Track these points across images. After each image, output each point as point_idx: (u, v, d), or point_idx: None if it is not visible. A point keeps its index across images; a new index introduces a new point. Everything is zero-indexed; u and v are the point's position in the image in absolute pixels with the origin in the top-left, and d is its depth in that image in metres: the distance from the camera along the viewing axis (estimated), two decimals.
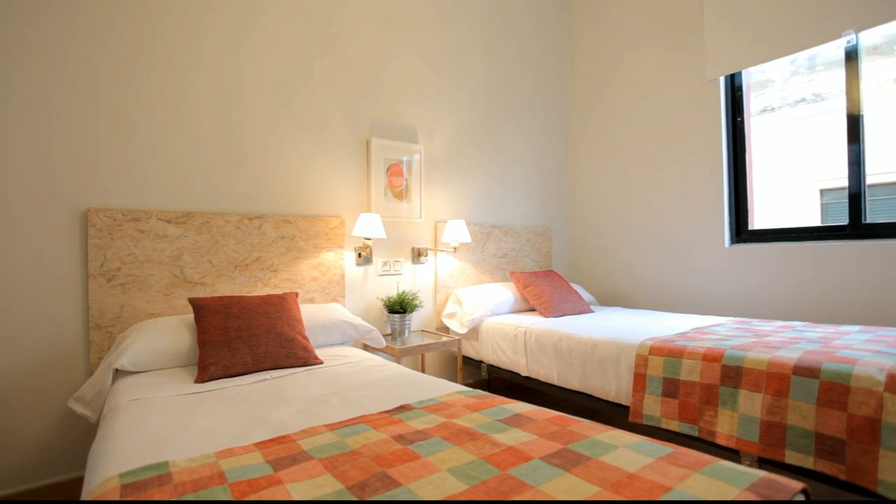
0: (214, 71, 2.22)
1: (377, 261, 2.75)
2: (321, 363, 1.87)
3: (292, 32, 2.47)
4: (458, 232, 2.81)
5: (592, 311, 2.91)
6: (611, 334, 2.10)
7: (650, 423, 1.79)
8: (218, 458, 0.94)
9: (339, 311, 2.29)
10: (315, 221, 2.49)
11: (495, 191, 3.37)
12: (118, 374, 1.73)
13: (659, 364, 1.80)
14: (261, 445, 1.02)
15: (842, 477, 1.33)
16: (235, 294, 2.18)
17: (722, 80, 2.93)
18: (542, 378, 2.32)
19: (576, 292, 3.01)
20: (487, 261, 3.25)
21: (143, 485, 0.84)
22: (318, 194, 2.54)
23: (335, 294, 2.55)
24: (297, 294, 2.16)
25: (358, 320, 2.28)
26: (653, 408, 1.79)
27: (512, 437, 1.01)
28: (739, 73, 2.91)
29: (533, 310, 3.00)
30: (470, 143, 3.23)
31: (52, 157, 1.86)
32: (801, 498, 0.83)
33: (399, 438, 1.04)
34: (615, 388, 1.96)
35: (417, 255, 2.90)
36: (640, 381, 1.84)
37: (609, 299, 3.58)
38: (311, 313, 2.19)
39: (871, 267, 2.34)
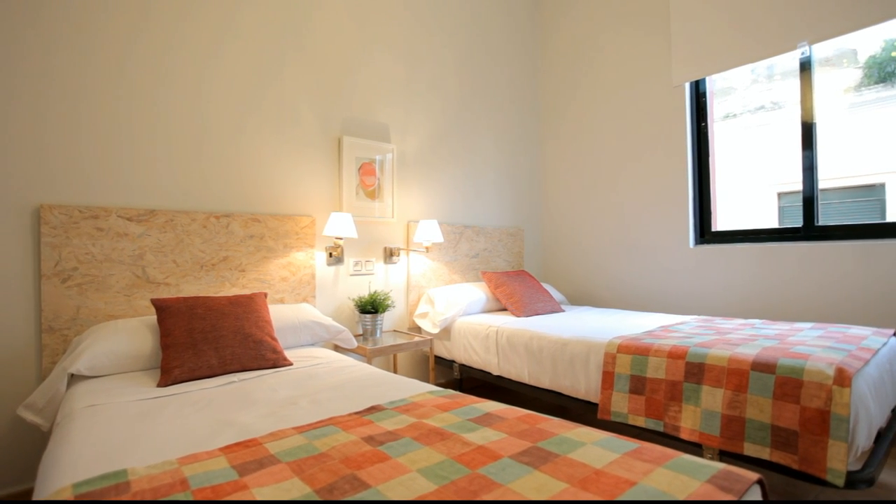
0: (182, 65, 2.15)
1: (349, 260, 2.72)
2: (291, 365, 1.84)
3: (264, 29, 2.41)
4: (430, 232, 2.81)
5: (563, 311, 2.96)
6: (580, 333, 2.14)
7: (618, 420, 1.83)
8: (180, 464, 0.91)
9: (309, 312, 2.25)
10: (285, 220, 2.44)
11: (468, 191, 3.39)
12: (73, 379, 1.65)
13: (626, 362, 1.84)
14: (226, 450, 0.99)
15: (795, 466, 1.39)
16: (201, 295, 2.12)
17: (687, 86, 3.03)
18: (514, 377, 2.34)
19: (547, 292, 3.05)
20: (460, 261, 3.26)
21: (99, 494, 0.80)
22: (288, 193, 2.49)
23: (305, 294, 2.51)
24: (266, 294, 2.11)
25: (329, 321, 2.25)
26: (620, 405, 1.83)
27: (482, 437, 1.02)
28: (703, 80, 3.01)
29: (505, 309, 3.03)
30: (443, 143, 3.24)
31: (0, 149, 1.77)
32: (757, 488, 0.86)
33: (369, 440, 1.03)
34: (584, 385, 2.00)
35: (390, 254, 2.89)
36: (608, 378, 1.88)
37: (579, 299, 3.65)
38: (281, 314, 2.15)
39: (823, 267, 2.46)
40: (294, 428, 1.13)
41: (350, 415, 1.22)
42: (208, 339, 1.71)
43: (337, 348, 2.51)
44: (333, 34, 2.69)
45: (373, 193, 2.81)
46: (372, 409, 1.25)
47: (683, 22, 2.98)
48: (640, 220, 3.26)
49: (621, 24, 3.36)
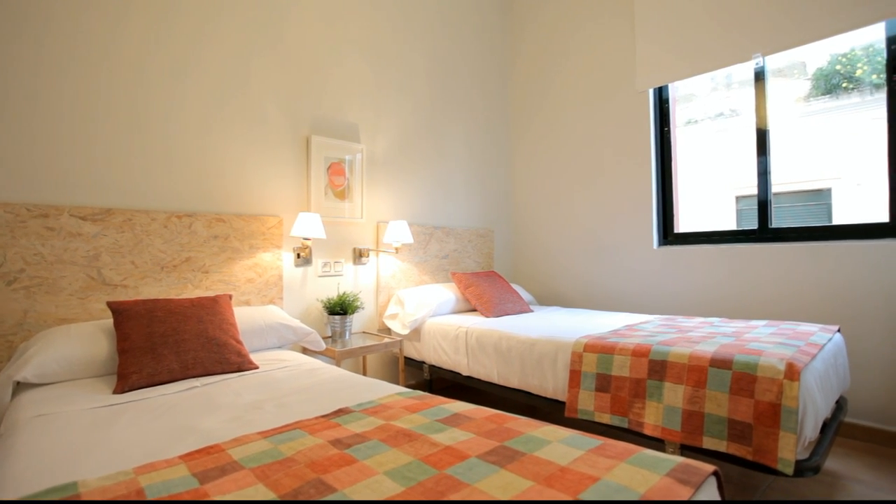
0: (141, 57, 2.07)
1: (317, 261, 2.68)
2: (256, 368, 1.80)
3: (233, 27, 2.35)
4: (400, 232, 2.80)
5: (532, 311, 3.00)
6: (548, 333, 2.18)
7: (584, 418, 1.87)
8: (137, 473, 0.88)
9: (276, 314, 2.21)
10: (251, 220, 2.38)
11: (438, 192, 3.39)
12: (20, 387, 1.56)
13: (593, 361, 1.88)
14: (187, 457, 0.96)
15: (749, 457, 1.45)
16: (162, 297, 2.04)
17: (651, 92, 3.12)
18: (483, 377, 2.36)
19: (516, 292, 3.09)
20: (429, 261, 3.26)
21: None
22: (254, 192, 2.44)
23: (272, 296, 2.46)
24: (230, 296, 2.06)
25: (296, 323, 2.21)
26: (587, 402, 1.87)
27: (450, 437, 1.02)
28: (666, 87, 3.11)
29: (474, 310, 3.05)
30: (413, 144, 3.23)
31: None
32: (713, 480, 0.90)
33: (336, 443, 1.01)
34: (552, 384, 2.03)
35: (359, 255, 2.86)
36: (575, 377, 1.92)
37: (548, 299, 3.71)
38: (247, 316, 2.10)
39: (776, 267, 2.58)
40: (259, 433, 1.10)
41: (317, 418, 1.20)
42: (169, 342, 1.65)
43: (305, 351, 2.47)
44: (303, 33, 2.64)
45: (342, 194, 2.78)
46: (339, 412, 1.24)
47: (647, 31, 3.08)
48: (607, 222, 3.34)
49: (589, 31, 3.44)
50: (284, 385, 1.58)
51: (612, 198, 3.31)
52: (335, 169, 2.74)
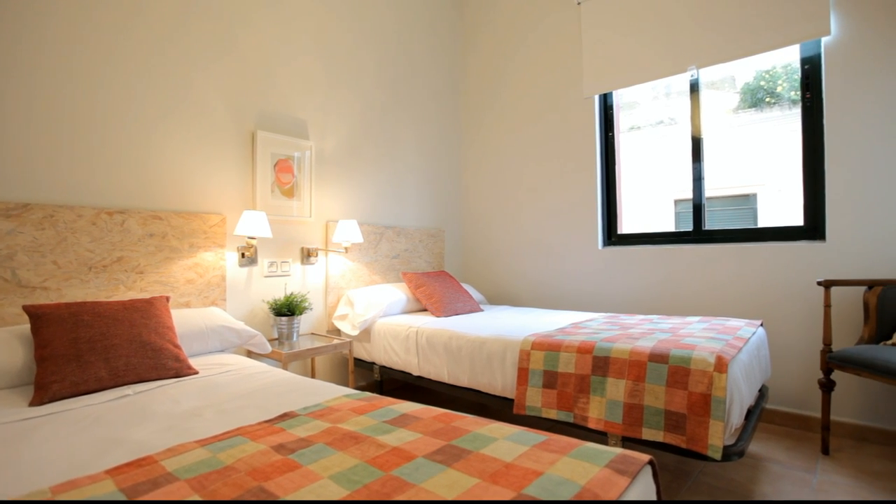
0: (67, 40, 1.91)
1: (263, 261, 2.59)
2: (196, 373, 1.71)
3: (170, 12, 2.21)
4: (349, 232, 2.75)
5: (482, 310, 3.04)
6: (497, 332, 2.21)
7: (532, 414, 1.92)
8: (54, 493, 0.81)
9: (218, 316, 2.11)
10: (191, 218, 2.26)
11: (389, 192, 3.37)
12: None
13: (540, 358, 1.93)
14: (114, 472, 0.90)
15: (683, 445, 1.54)
16: (89, 300, 1.90)
17: (597, 98, 3.25)
18: (434, 377, 2.36)
19: (466, 292, 3.12)
20: (380, 261, 3.23)
21: None
22: (195, 189, 2.32)
23: (215, 297, 2.34)
24: (168, 298, 1.94)
25: (240, 325, 2.13)
26: (535, 399, 1.92)
27: (397, 438, 1.02)
28: (611, 94, 3.25)
29: (425, 310, 3.05)
30: (364, 143, 3.19)
31: None
32: (648, 468, 0.95)
33: (279, 448, 0.98)
34: (501, 382, 2.07)
35: (307, 255, 2.78)
36: (523, 374, 1.96)
37: (498, 298, 3.77)
38: (186, 319, 1.99)
39: (708, 266, 2.76)
40: (196, 441, 1.05)
41: (260, 423, 1.16)
42: (96, 348, 1.53)
43: (250, 354, 2.38)
44: (249, 24, 2.54)
45: (290, 192, 2.69)
46: (284, 417, 1.20)
47: (592, 40, 3.20)
48: (555, 223, 3.44)
49: (539, 37, 3.53)
50: (226, 390, 1.51)
51: (560, 200, 3.41)
52: (282, 166, 2.66)
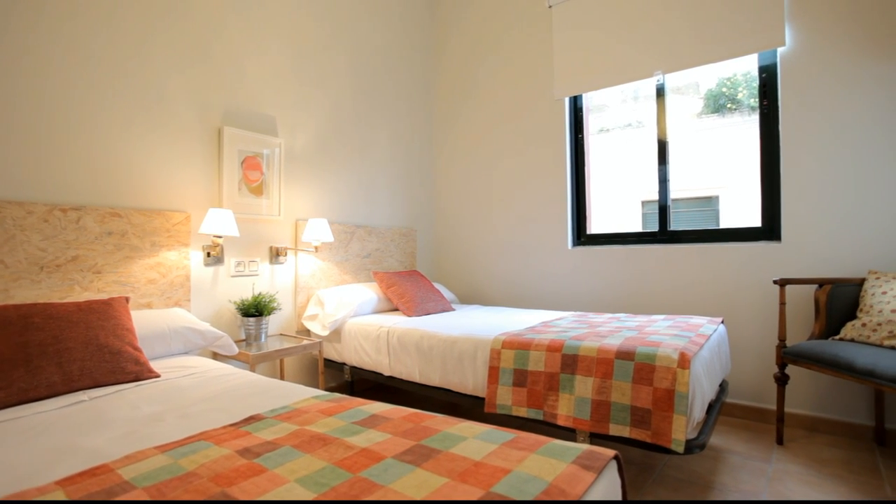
0: (16, 24, 1.81)
1: (230, 261, 2.52)
2: (157, 376, 1.65)
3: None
4: (319, 231, 2.71)
5: (454, 310, 3.05)
6: (468, 331, 2.22)
7: (503, 412, 1.94)
8: None
9: (182, 317, 2.04)
10: (153, 216, 2.18)
11: (360, 190, 3.33)
12: None
13: (510, 357, 1.95)
14: (66, 482, 0.85)
15: (648, 440, 1.59)
16: (41, 301, 1.80)
17: (567, 100, 3.30)
18: (405, 377, 2.36)
19: (438, 291, 3.12)
20: (351, 261, 3.19)
21: None
22: (157, 185, 2.23)
23: (178, 298, 2.27)
24: (128, 299, 1.87)
25: (205, 326, 2.06)
26: (505, 397, 1.93)
27: (366, 439, 1.01)
28: (581, 96, 3.31)
29: (397, 309, 3.03)
30: (335, 141, 3.14)
31: None
32: (614, 463, 0.97)
33: (244, 452, 0.96)
34: (472, 381, 2.08)
35: (276, 254, 2.73)
36: (493, 373, 1.97)
37: (470, 297, 3.79)
38: (147, 321, 1.92)
39: (673, 266, 2.85)
40: (156, 447, 1.01)
41: (225, 427, 1.13)
42: (48, 352, 1.46)
43: (216, 356, 2.31)
44: (214, 15, 2.46)
45: (258, 189, 2.63)
46: (250, 420, 1.17)
47: (563, 43, 3.25)
48: (526, 223, 3.49)
49: (510, 39, 3.56)
50: (190, 394, 1.46)
51: (531, 200, 3.45)
52: (250, 163, 2.59)
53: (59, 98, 1.93)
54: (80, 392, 1.46)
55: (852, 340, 2.04)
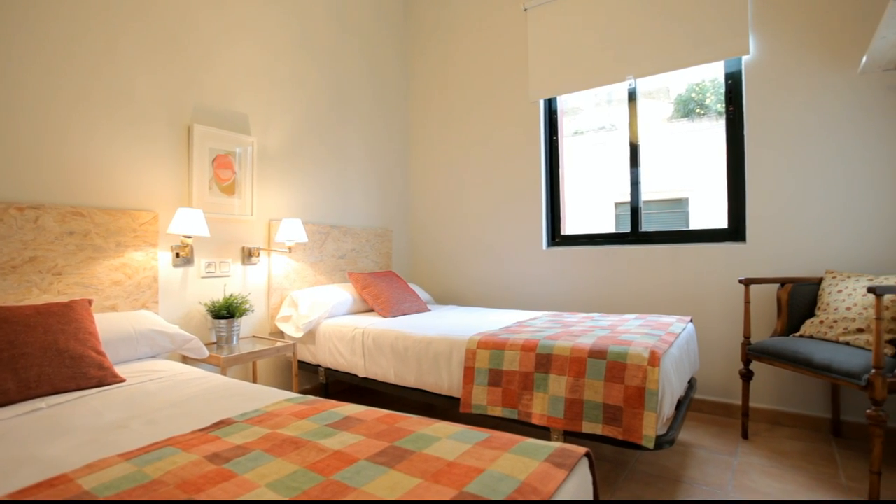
0: None
1: (200, 261, 2.45)
2: (122, 381, 1.60)
3: None
4: (293, 231, 2.67)
5: (429, 310, 3.05)
6: (444, 332, 2.22)
7: (478, 412, 1.95)
8: None
9: (148, 320, 1.98)
10: (118, 215, 2.11)
11: (335, 190, 3.30)
12: None
13: (485, 357, 1.96)
14: (22, 494, 0.82)
15: (620, 437, 1.62)
16: None
17: (542, 102, 3.34)
18: (380, 378, 2.34)
19: (414, 292, 3.11)
20: (326, 261, 3.16)
21: None
22: (123, 183, 2.16)
23: (145, 300, 2.20)
24: (90, 301, 1.80)
25: (174, 329, 2.00)
26: (480, 397, 1.94)
27: (339, 441, 1.00)
28: (555, 99, 3.35)
29: (372, 310, 3.01)
30: (309, 140, 3.10)
31: None
32: (585, 460, 0.99)
33: (213, 458, 0.94)
34: (448, 382, 2.08)
35: (248, 255, 2.67)
36: (469, 373, 1.98)
37: (445, 298, 3.79)
38: (112, 324, 1.85)
39: (644, 266, 2.92)
40: (120, 455, 0.98)
41: (193, 432, 1.10)
42: (2, 358, 1.39)
43: (185, 360, 2.25)
44: (182, 9, 2.40)
45: (230, 189, 2.57)
46: (220, 424, 1.15)
47: (538, 47, 3.30)
48: (501, 224, 3.51)
49: (486, 41, 3.58)
50: (156, 399, 1.42)
51: (506, 201, 3.48)
52: (222, 162, 2.53)
53: (19, 90, 1.84)
54: (38, 399, 1.40)
55: (811, 337, 2.13)
